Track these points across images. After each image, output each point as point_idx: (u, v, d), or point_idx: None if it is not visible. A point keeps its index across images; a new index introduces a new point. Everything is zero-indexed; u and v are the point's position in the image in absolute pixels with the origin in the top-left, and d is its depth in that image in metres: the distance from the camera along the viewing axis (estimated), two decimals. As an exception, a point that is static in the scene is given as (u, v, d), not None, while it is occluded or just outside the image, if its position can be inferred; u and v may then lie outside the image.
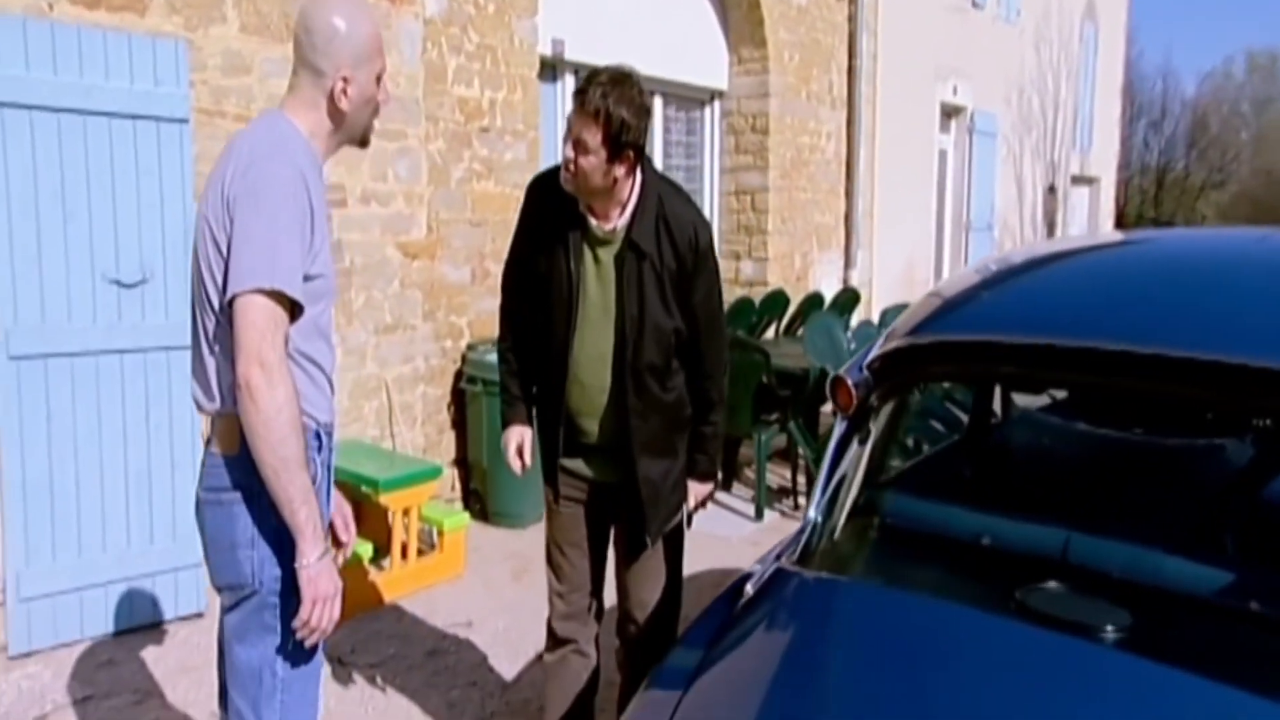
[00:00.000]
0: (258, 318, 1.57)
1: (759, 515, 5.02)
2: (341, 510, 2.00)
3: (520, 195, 2.39)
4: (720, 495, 5.35)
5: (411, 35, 4.70)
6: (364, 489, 3.96)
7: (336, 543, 1.97)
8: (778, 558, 1.80)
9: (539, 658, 3.41)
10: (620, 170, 2.06)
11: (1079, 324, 1.76)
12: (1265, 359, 1.48)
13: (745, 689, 1.51)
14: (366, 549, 3.83)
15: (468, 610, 3.85)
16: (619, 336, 2.16)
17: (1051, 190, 12.74)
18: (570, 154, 2.04)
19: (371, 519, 4.27)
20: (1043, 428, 2.56)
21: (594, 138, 2.00)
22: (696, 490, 2.40)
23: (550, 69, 5.97)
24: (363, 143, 1.85)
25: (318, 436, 1.78)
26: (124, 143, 3.40)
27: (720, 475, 5.39)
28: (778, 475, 5.62)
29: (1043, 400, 2.78)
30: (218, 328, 1.67)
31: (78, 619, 3.37)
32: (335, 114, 1.76)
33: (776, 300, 6.57)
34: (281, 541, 1.67)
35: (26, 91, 3.19)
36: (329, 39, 1.71)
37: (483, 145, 5.08)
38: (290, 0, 4.11)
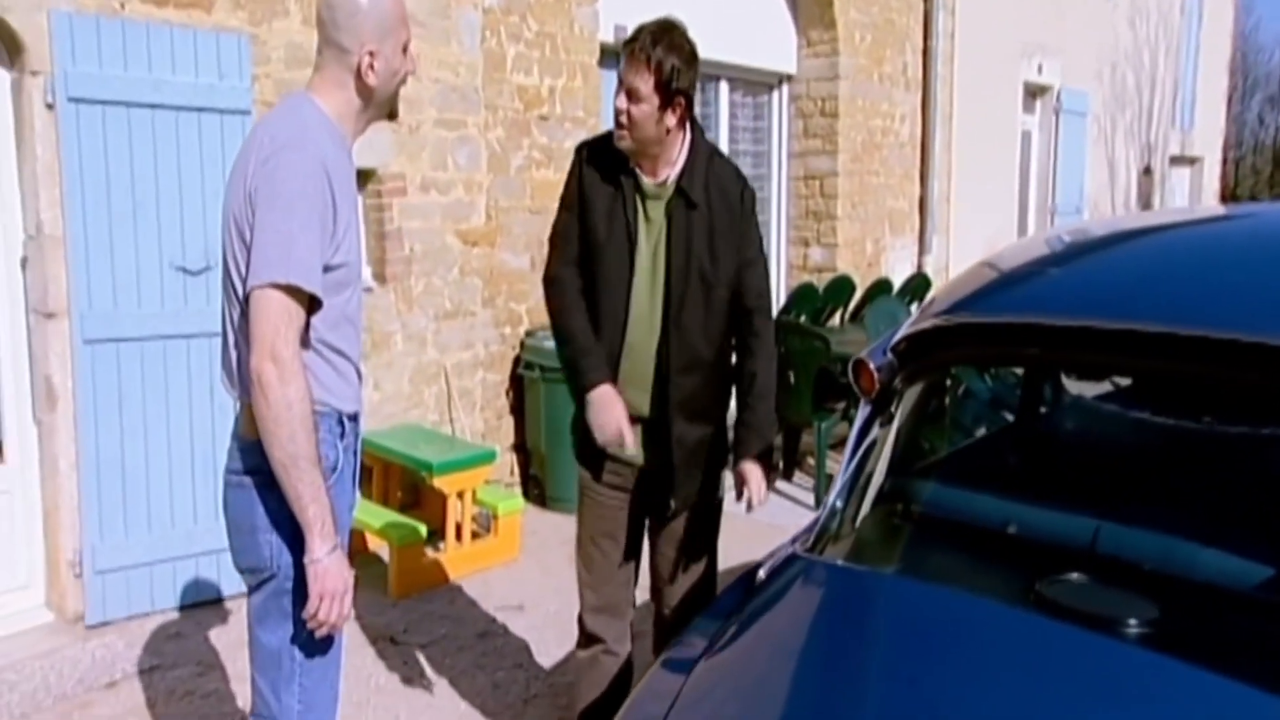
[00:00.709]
0: (272, 312, 1.58)
1: (819, 505, 4.92)
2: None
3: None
4: (781, 484, 5.27)
5: (471, 24, 4.74)
6: (420, 472, 4.03)
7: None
8: (793, 543, 1.75)
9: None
10: (672, 120, 2.08)
11: (1119, 304, 1.65)
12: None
13: (746, 675, 1.47)
14: (421, 531, 3.90)
15: (521, 593, 3.89)
16: (666, 290, 2.14)
17: (1147, 172, 12.12)
18: (623, 104, 2.06)
19: (428, 502, 4.35)
20: (1090, 414, 2.42)
21: (646, 84, 2.02)
22: (753, 474, 2.25)
23: (612, 55, 5.94)
24: (391, 115, 1.85)
25: (340, 423, 1.77)
26: (189, 135, 3.53)
27: (781, 463, 5.32)
28: (840, 464, 5.50)
29: (1104, 386, 2.63)
30: (242, 318, 1.68)
31: (148, 592, 3.53)
32: (364, 90, 1.74)
33: (841, 286, 6.42)
34: (298, 528, 1.66)
35: (100, 88, 3.33)
36: (350, 14, 1.71)
37: (542, 133, 5.10)
38: (350, -7, 4.19)
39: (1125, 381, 2.58)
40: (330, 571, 1.63)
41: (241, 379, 1.71)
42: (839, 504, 1.79)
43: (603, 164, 2.17)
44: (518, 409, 5.01)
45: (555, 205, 2.33)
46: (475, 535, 4.21)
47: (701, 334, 2.16)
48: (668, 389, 2.17)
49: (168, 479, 3.55)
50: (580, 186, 2.20)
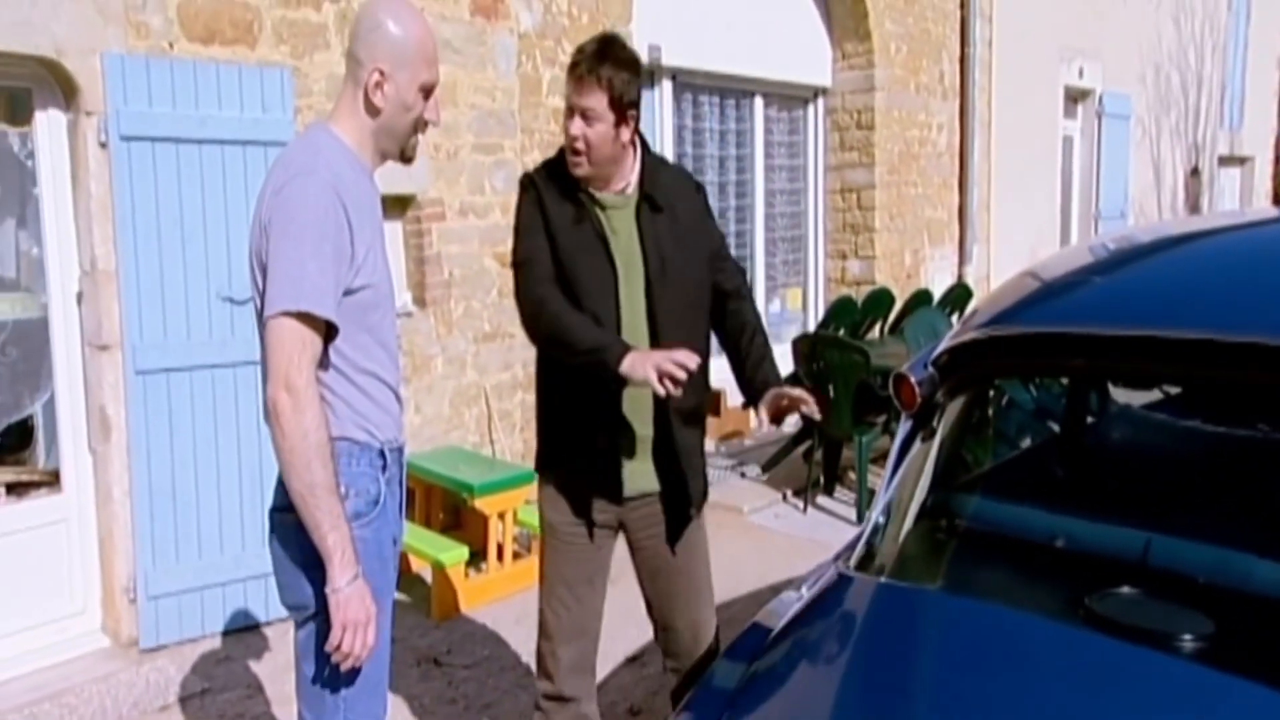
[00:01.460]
0: (285, 341, 1.56)
1: (861, 519, 4.87)
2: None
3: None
4: (821, 499, 5.23)
5: (506, 49, 4.81)
6: (461, 493, 4.07)
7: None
8: (837, 559, 1.73)
9: (628, 661, 3.43)
10: (626, 135, 2.07)
11: (1167, 312, 1.62)
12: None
13: (800, 697, 1.45)
14: (463, 552, 3.93)
15: (563, 614, 3.89)
16: (647, 296, 2.10)
17: (1195, 173, 11.85)
18: (578, 129, 2.02)
19: (469, 523, 4.38)
20: (1138, 424, 2.36)
21: (599, 103, 2.00)
22: (788, 390, 2.12)
23: (647, 76, 5.99)
24: (404, 158, 1.81)
25: (382, 455, 1.74)
26: (235, 168, 3.62)
27: (822, 478, 5.27)
28: (881, 478, 5.44)
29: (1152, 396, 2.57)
30: (262, 348, 1.66)
31: (199, 616, 3.59)
32: (370, 109, 1.71)
33: (880, 299, 6.37)
34: None
35: (150, 126, 3.44)
36: (371, 29, 1.70)
37: (577, 154, 5.14)
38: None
39: (1173, 390, 2.52)
40: (352, 601, 1.61)
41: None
42: (882, 520, 1.77)
43: (555, 186, 2.13)
44: (558, 429, 5.02)
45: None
46: (517, 555, 4.23)
47: (687, 335, 2.11)
48: (666, 401, 2.07)
49: (217, 505, 3.62)
50: (541, 210, 2.11)
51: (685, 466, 2.19)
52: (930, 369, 1.82)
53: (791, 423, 5.93)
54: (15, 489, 3.52)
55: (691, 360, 1.86)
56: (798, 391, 2.07)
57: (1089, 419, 2.38)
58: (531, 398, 4.96)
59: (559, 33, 5.05)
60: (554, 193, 2.11)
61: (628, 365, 1.92)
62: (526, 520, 4.22)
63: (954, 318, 6.27)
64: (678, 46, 5.98)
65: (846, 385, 4.86)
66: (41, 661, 3.37)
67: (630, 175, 2.14)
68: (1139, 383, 2.33)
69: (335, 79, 4.16)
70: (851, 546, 1.79)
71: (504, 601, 4.00)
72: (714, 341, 2.31)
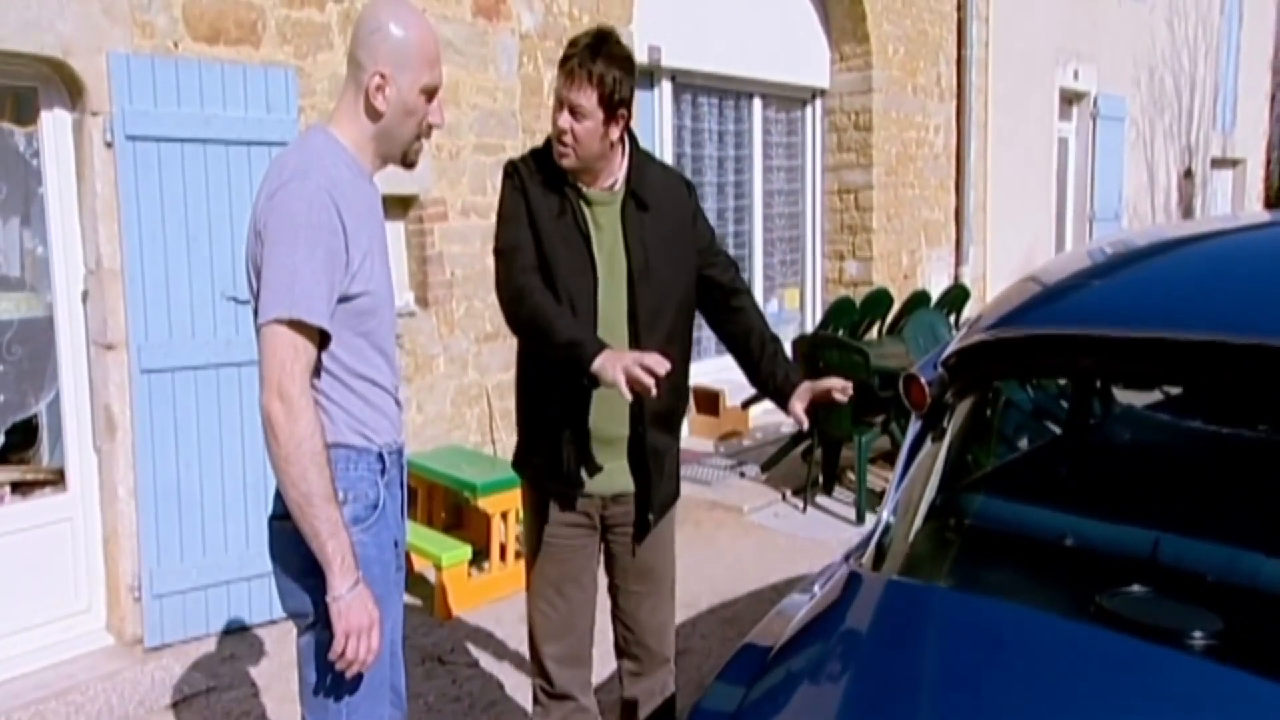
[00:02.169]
0: (278, 348, 1.55)
1: (860, 519, 4.90)
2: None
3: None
4: (821, 499, 5.26)
5: (508, 50, 4.82)
6: (463, 492, 4.08)
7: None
8: (846, 559, 1.75)
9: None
10: (615, 133, 2.03)
11: (1171, 314, 1.65)
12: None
13: (822, 693, 1.47)
14: (466, 551, 3.94)
15: (566, 612, 3.91)
16: (630, 294, 2.07)
17: (1188, 175, 11.93)
18: (566, 123, 1.98)
19: (470, 522, 4.40)
20: (1143, 424, 2.40)
21: (589, 100, 1.96)
22: (817, 382, 2.11)
23: (647, 76, 6.01)
24: (406, 163, 1.78)
25: (380, 459, 1.73)
26: (240, 168, 3.62)
27: (821, 477, 5.30)
28: (880, 478, 5.48)
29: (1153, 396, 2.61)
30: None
31: (203, 615, 3.60)
32: (371, 113, 1.69)
33: (879, 299, 6.40)
34: None
35: (155, 125, 3.44)
36: (372, 32, 1.67)
37: (578, 155, 5.16)
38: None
39: (1173, 391, 2.56)
40: (354, 608, 1.60)
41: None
42: (892, 519, 1.79)
43: (541, 177, 2.08)
44: (559, 428, 5.04)
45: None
46: (518, 555, 4.25)
47: (666, 337, 2.07)
48: (642, 401, 2.00)
49: (221, 504, 3.63)
50: (525, 199, 2.07)
51: (659, 467, 2.18)
52: (940, 370, 1.85)
53: (790, 422, 5.96)
54: (21, 488, 3.52)
55: (661, 366, 1.81)
56: (827, 382, 2.06)
57: (1094, 419, 2.41)
58: (532, 397, 4.99)
59: (560, 33, 5.07)
60: (538, 183, 2.08)
61: (598, 365, 1.87)
62: (529, 519, 4.24)
63: (952, 318, 6.31)
64: (677, 47, 6.00)
65: (846, 385, 4.89)
66: (47, 660, 3.37)
67: (618, 172, 2.11)
68: (1145, 383, 2.36)
69: (338, 79, 4.16)
70: (862, 545, 1.81)
71: (507, 600, 4.01)
72: (698, 344, 2.28)
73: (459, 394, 4.69)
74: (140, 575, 3.49)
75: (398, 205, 4.47)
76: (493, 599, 4.01)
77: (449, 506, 4.51)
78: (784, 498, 5.27)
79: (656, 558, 2.27)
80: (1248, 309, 1.59)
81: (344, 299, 1.63)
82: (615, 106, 1.99)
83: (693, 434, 6.09)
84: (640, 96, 5.81)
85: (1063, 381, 2.58)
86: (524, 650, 3.57)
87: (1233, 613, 1.39)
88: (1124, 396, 2.49)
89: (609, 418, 2.10)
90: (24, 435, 3.59)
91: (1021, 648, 1.41)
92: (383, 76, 1.67)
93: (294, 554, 1.66)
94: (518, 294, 2.02)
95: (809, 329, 7.12)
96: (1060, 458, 2.27)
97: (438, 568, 3.90)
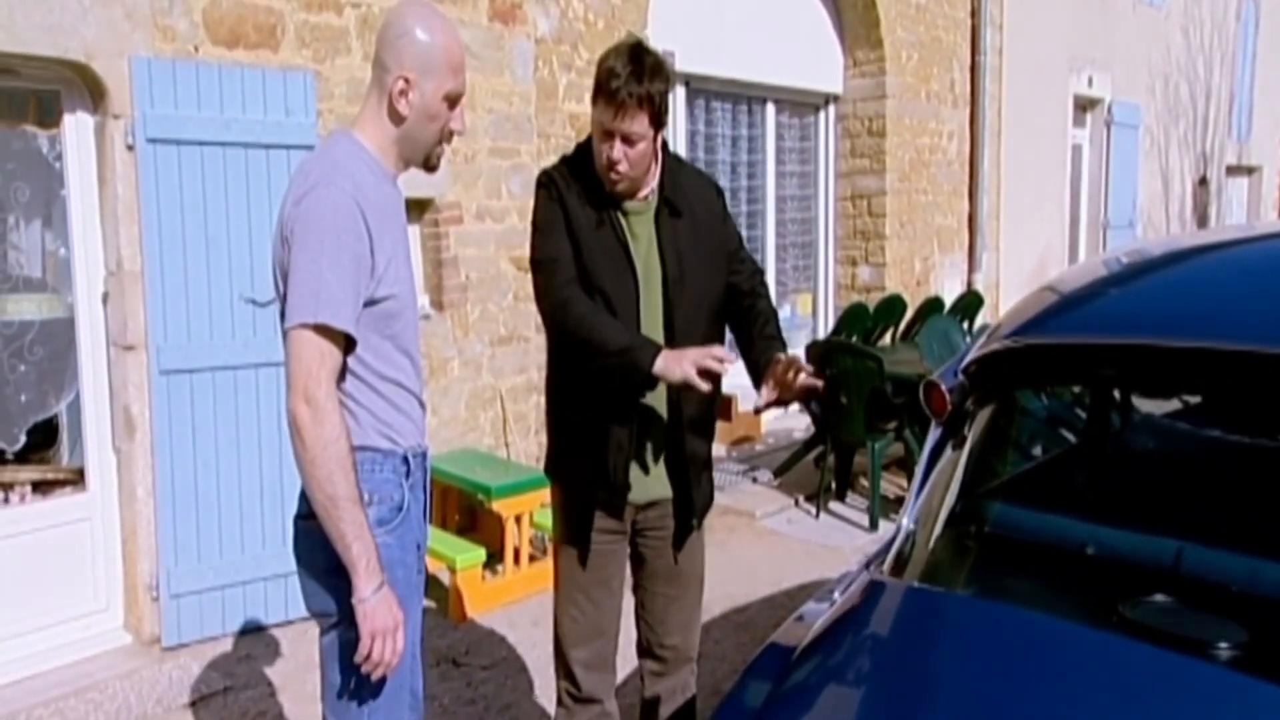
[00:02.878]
0: (305, 353, 1.57)
1: (873, 525, 4.89)
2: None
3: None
4: (834, 505, 5.25)
5: (524, 55, 4.85)
6: (478, 495, 4.10)
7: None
8: (867, 566, 1.76)
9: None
10: (658, 144, 2.06)
11: (1193, 323, 1.65)
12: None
13: (843, 698, 1.48)
14: (480, 554, 3.95)
15: (578, 616, 3.92)
16: (665, 302, 2.08)
17: (1203, 182, 11.89)
18: (619, 154, 1.97)
19: (484, 525, 4.41)
20: (1164, 433, 2.39)
21: (642, 125, 1.95)
22: (793, 358, 2.04)
23: (660, 81, 6.03)
24: (428, 166, 1.79)
25: (405, 461, 1.75)
26: (258, 171, 3.65)
27: (834, 483, 5.29)
28: (893, 485, 5.47)
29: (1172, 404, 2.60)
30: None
31: (220, 615, 3.62)
32: (395, 117, 1.70)
33: (893, 306, 6.40)
34: None
35: (176, 128, 3.47)
36: (398, 36, 1.68)
37: (593, 159, 5.18)
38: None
39: (1192, 400, 2.55)
40: (379, 610, 1.61)
41: None
42: (912, 527, 1.79)
43: (577, 188, 2.08)
44: (572, 432, 5.06)
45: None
46: (532, 558, 4.26)
47: (703, 340, 2.06)
48: (680, 406, 2.10)
49: (238, 504, 3.65)
50: (563, 210, 2.07)
51: (696, 474, 2.20)
52: (960, 377, 1.85)
53: (803, 428, 5.96)
54: (41, 487, 3.55)
55: (728, 355, 1.83)
56: (788, 364, 1.96)
57: (1113, 428, 2.41)
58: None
59: (575, 38, 5.09)
60: (575, 194, 2.08)
61: (661, 366, 1.89)
62: (542, 523, 4.25)
63: (965, 325, 6.30)
64: (691, 52, 6.02)
65: (860, 391, 4.89)
66: (66, 658, 3.40)
67: (652, 181, 2.12)
68: (1164, 392, 2.36)
69: (356, 83, 4.20)
70: (882, 552, 1.82)
71: (520, 604, 4.03)
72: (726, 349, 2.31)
73: (473, 397, 4.71)
74: (158, 575, 3.52)
75: (414, 208, 4.49)
76: (506, 602, 4.02)
77: (463, 509, 4.53)
78: (797, 503, 5.27)
79: (687, 561, 2.28)
80: (1265, 318, 1.59)
81: (370, 303, 1.65)
82: (662, 119, 2.01)
83: (705, 439, 6.09)
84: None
85: (1078, 390, 2.58)
86: (538, 653, 3.59)
87: (1257, 623, 1.39)
88: (1143, 405, 2.49)
89: (647, 425, 2.12)
90: (45, 435, 3.63)
91: (1044, 656, 1.41)
92: (407, 81, 1.68)
93: (319, 553, 1.68)
94: (561, 306, 2.03)
95: (821, 335, 7.12)
96: (1080, 466, 2.27)
97: (452, 570, 3.92)
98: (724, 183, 6.68)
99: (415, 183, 4.39)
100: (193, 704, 3.25)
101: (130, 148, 3.40)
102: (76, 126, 3.48)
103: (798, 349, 5.54)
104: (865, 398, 4.89)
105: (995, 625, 1.52)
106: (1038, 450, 2.40)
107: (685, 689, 2.36)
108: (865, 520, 4.98)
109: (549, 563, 4.24)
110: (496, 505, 4.04)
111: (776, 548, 4.68)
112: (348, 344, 1.64)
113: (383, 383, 1.72)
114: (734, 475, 5.63)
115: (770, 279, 7.09)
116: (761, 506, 5.17)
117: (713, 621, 3.82)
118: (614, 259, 2.06)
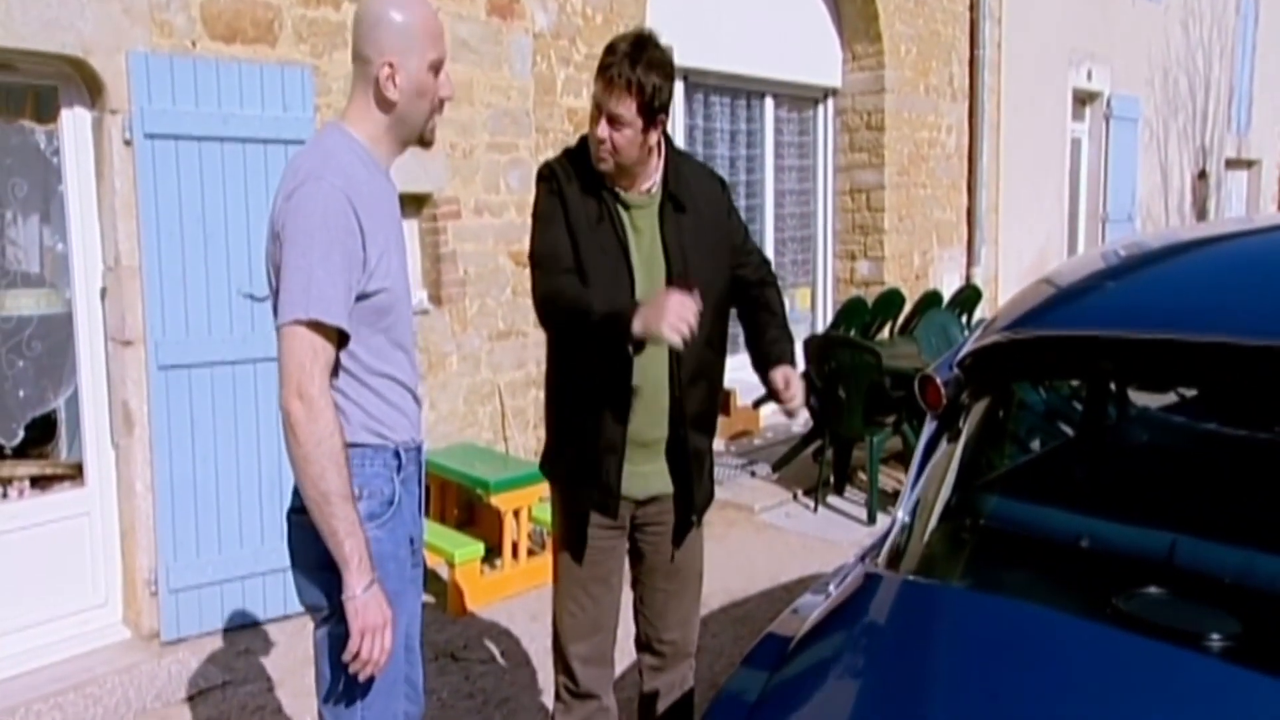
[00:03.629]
0: (297, 349, 1.57)
1: (871, 519, 4.90)
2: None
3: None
4: (832, 499, 5.26)
5: (522, 49, 4.84)
6: (476, 490, 4.10)
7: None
8: (862, 559, 1.76)
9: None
10: (654, 138, 2.02)
11: (1190, 316, 1.65)
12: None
13: (838, 692, 1.48)
14: (478, 548, 3.96)
15: (577, 610, 3.93)
16: None
17: (1202, 176, 11.88)
18: (604, 132, 1.97)
19: (482, 519, 4.42)
20: (1159, 426, 2.40)
21: (628, 110, 1.95)
22: (793, 376, 2.08)
23: (659, 76, 6.02)
24: (424, 142, 1.78)
25: (396, 455, 1.75)
26: (256, 166, 3.65)
27: (832, 477, 5.30)
28: (891, 478, 5.48)
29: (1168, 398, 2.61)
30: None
31: (218, 609, 3.63)
32: (384, 104, 1.69)
33: (891, 300, 6.40)
34: None
35: (174, 123, 3.47)
36: (373, 24, 1.67)
37: (591, 154, 5.18)
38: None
39: (1187, 393, 2.56)
40: (369, 607, 1.61)
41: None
42: (908, 519, 1.80)
43: (578, 182, 2.07)
44: (570, 427, 5.06)
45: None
46: (531, 552, 4.27)
47: (705, 339, 2.04)
48: (682, 403, 2.09)
49: (236, 500, 3.65)
50: (562, 203, 2.06)
51: (697, 470, 2.19)
52: (955, 371, 1.86)
53: (802, 422, 5.96)
54: (39, 482, 3.56)
55: (695, 301, 1.79)
56: (789, 384, 2.01)
57: (1109, 421, 2.41)
58: (544, 395, 5.01)
59: (573, 32, 5.09)
60: (575, 187, 2.07)
61: (639, 324, 1.83)
62: (540, 518, 4.26)
63: (964, 319, 6.30)
64: (690, 47, 5.99)
65: (858, 386, 4.90)
66: (65, 652, 3.41)
67: (655, 175, 2.11)
68: (1160, 385, 2.37)
69: (354, 78, 4.19)
70: (877, 545, 1.82)
71: (519, 598, 4.03)
72: (728, 342, 2.31)
73: (471, 392, 4.72)
74: (157, 570, 3.52)
75: (412, 203, 4.49)
76: (505, 596, 4.03)
77: (461, 504, 4.54)
78: (795, 497, 5.28)
79: (686, 556, 2.28)
80: (1263, 311, 1.59)
81: (362, 296, 1.65)
82: (654, 113, 1.99)
83: (703, 433, 6.09)
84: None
85: (1075, 383, 2.59)
86: (536, 647, 3.60)
87: (1250, 615, 1.40)
88: (1139, 398, 2.49)
89: (648, 421, 2.11)
90: (43, 430, 3.63)
91: (1038, 648, 1.42)
92: (391, 65, 1.68)
93: (311, 548, 1.68)
94: (554, 293, 2.03)
95: (820, 329, 7.13)
96: (1076, 459, 2.28)
97: (450, 565, 3.92)
98: (723, 177, 6.67)
99: (413, 177, 4.40)
100: (191, 699, 3.26)
101: (128, 143, 3.39)
102: (74, 122, 3.48)
103: (797, 344, 5.55)
104: (864, 392, 4.90)
105: (990, 617, 1.52)
106: (1033, 443, 2.41)
107: (684, 684, 2.36)
108: (864, 514, 4.99)
109: (547, 557, 4.27)
110: (495, 500, 4.04)
111: (775, 542, 4.69)
112: (340, 339, 1.64)
113: (374, 377, 1.71)
114: (733, 469, 5.64)
115: (769, 273, 7.08)
116: (760, 500, 5.18)
117: (711, 615, 3.83)
118: (611, 255, 2.05)
